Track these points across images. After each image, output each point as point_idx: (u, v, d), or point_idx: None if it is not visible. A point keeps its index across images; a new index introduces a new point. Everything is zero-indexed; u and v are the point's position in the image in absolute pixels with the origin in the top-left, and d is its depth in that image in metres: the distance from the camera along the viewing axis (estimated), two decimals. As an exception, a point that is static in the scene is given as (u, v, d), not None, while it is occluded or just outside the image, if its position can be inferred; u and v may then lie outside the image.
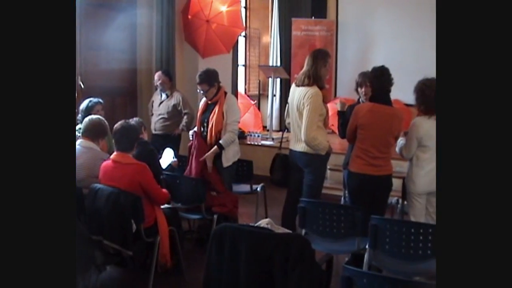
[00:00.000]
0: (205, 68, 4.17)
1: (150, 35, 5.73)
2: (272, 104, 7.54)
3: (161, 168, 3.95)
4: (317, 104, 3.55)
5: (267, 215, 4.52)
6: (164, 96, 5.19)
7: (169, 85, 5.20)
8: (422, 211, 3.41)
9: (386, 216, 3.63)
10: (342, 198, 4.41)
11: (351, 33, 8.29)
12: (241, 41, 8.63)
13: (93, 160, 3.39)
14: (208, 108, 4.14)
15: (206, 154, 4.00)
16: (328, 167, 4.96)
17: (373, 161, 3.40)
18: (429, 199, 3.39)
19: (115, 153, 3.27)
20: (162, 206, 3.42)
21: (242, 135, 6.66)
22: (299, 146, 3.70)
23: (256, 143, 6.86)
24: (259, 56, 9.52)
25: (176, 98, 5.14)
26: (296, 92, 3.67)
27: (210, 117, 4.06)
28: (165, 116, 5.14)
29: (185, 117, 5.14)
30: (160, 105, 5.18)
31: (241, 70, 8.72)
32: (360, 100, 3.96)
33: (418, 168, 3.38)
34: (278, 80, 8.06)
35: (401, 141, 3.52)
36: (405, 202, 3.68)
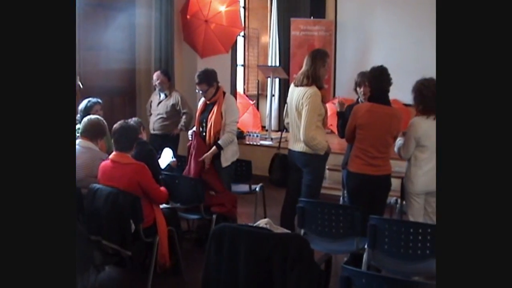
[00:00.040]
0: (203, 68, 4.16)
1: (149, 35, 5.71)
2: (271, 104, 7.53)
3: (160, 168, 3.94)
4: (316, 104, 3.55)
5: (266, 215, 4.52)
6: (162, 96, 5.18)
7: (168, 85, 5.19)
8: (421, 211, 3.41)
9: (385, 216, 3.63)
10: (341, 198, 4.41)
11: (350, 33, 8.29)
12: (240, 41, 8.62)
13: (92, 160, 3.39)
14: (207, 108, 4.14)
15: (205, 155, 4.00)
16: (327, 167, 4.97)
17: (372, 161, 3.40)
18: (428, 199, 3.39)
19: (114, 153, 3.27)
20: (161, 206, 3.42)
21: (241, 135, 6.65)
22: (298, 146, 3.70)
23: (255, 143, 6.85)
24: (258, 56, 9.51)
25: (175, 98, 5.13)
26: (295, 92, 3.67)
27: (209, 117, 4.06)
28: (164, 116, 5.13)
29: (183, 117, 5.14)
30: (159, 105, 5.17)
31: (240, 70, 8.71)
32: (359, 100, 3.96)
33: (417, 168, 3.38)
34: (277, 80, 8.05)
35: (399, 141, 3.52)
36: (404, 202, 3.69)
